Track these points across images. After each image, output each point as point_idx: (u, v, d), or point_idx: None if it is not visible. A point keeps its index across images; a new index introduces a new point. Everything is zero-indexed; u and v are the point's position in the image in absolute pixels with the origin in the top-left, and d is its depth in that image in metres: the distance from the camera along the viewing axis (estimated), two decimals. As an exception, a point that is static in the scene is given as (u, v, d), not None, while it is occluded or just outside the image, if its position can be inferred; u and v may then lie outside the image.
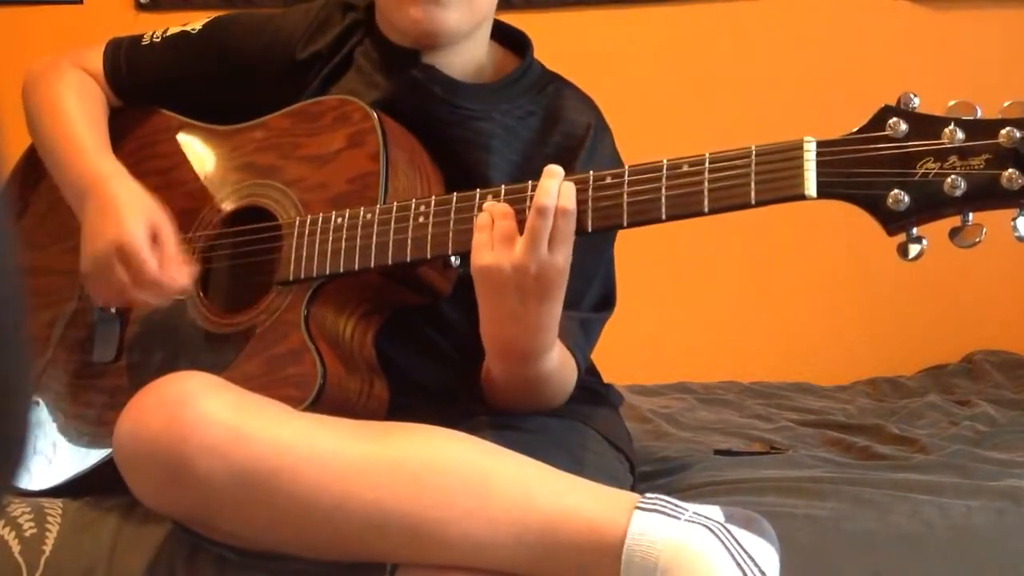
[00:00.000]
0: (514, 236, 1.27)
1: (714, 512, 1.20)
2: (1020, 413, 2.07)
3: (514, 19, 1.61)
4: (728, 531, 1.17)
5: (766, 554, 1.18)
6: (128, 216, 1.45)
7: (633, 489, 1.45)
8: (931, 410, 2.11)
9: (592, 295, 1.51)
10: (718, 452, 1.80)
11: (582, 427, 1.47)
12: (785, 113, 2.67)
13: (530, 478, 1.23)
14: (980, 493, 1.49)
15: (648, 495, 1.21)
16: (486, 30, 1.55)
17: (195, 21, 1.63)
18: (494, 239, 1.28)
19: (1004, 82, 2.67)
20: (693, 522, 1.17)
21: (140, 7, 2.85)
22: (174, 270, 1.45)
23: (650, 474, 1.64)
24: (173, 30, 1.63)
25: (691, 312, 2.80)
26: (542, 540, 1.19)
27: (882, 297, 2.75)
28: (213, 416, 1.21)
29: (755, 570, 1.15)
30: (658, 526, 1.17)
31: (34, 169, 1.63)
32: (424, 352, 1.51)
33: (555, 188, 1.27)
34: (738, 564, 1.15)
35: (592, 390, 1.58)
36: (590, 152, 1.50)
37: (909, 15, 2.75)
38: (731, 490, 1.52)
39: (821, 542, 1.41)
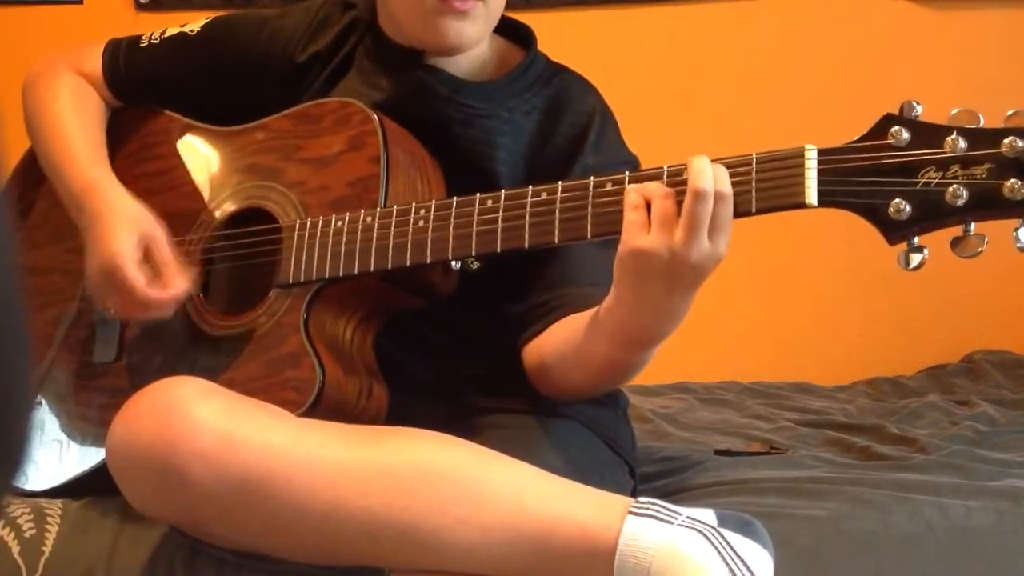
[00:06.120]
0: (674, 220, 1.19)
1: (707, 516, 1.20)
2: (1020, 413, 2.06)
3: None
4: (721, 535, 1.17)
5: (759, 558, 1.17)
6: (116, 232, 1.43)
7: (634, 494, 1.45)
8: (931, 410, 2.11)
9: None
10: (718, 452, 1.80)
11: (583, 429, 1.46)
12: (785, 113, 2.66)
13: (523, 483, 1.22)
14: (980, 493, 1.49)
15: (641, 499, 1.21)
16: (491, 30, 1.54)
17: (194, 22, 1.62)
18: (652, 221, 1.19)
19: (1004, 82, 2.67)
20: (686, 527, 1.17)
21: (140, 7, 2.85)
22: (168, 281, 1.43)
23: (650, 475, 1.63)
24: (172, 31, 1.62)
25: (691, 312, 2.79)
26: (535, 546, 1.19)
27: (882, 297, 2.74)
28: (204, 422, 1.21)
29: (747, 575, 1.15)
30: (651, 531, 1.16)
31: (36, 168, 1.62)
32: (424, 349, 1.51)
33: (709, 170, 1.18)
34: (730, 569, 1.15)
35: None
36: (598, 136, 1.49)
37: (909, 15, 2.75)
38: (731, 491, 1.52)
39: (821, 543, 1.41)
